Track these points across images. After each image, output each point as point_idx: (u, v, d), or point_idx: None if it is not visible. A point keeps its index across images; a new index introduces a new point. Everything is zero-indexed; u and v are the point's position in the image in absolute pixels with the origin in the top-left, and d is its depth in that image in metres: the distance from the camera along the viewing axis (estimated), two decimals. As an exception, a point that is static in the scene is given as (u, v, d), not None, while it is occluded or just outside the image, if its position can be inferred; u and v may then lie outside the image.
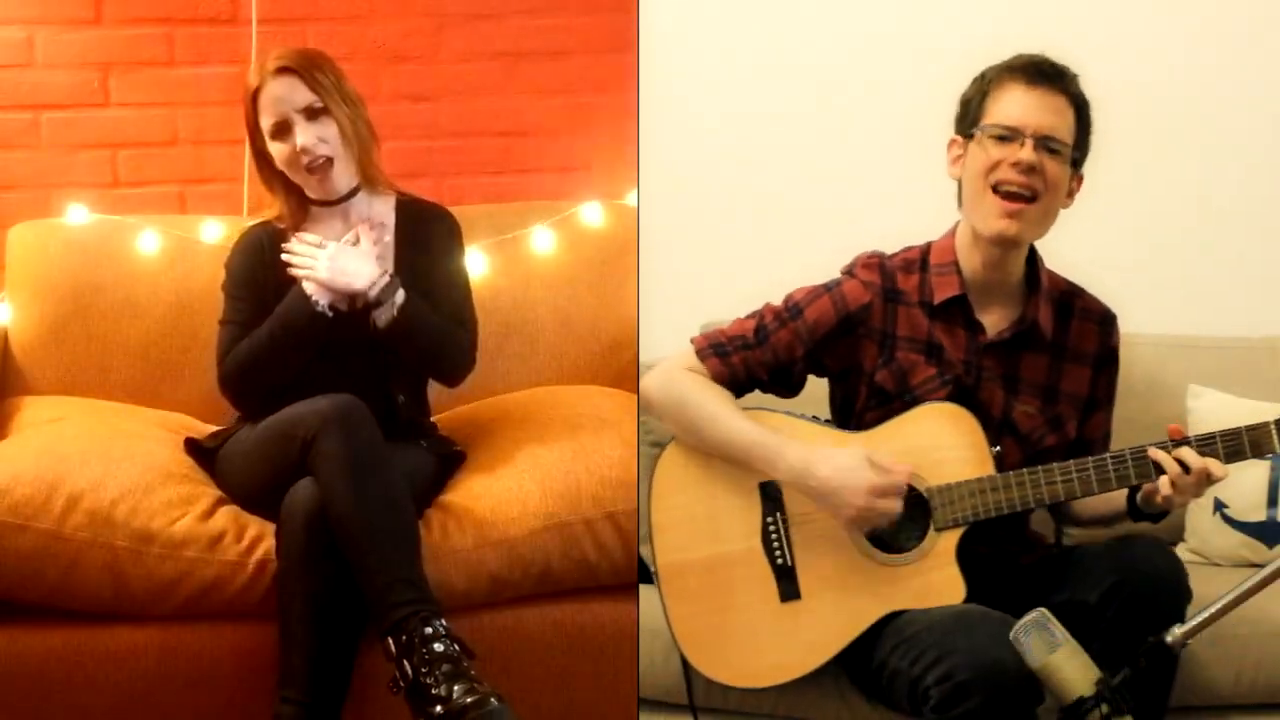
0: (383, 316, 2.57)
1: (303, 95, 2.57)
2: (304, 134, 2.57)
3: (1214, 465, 2.15)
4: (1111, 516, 2.35)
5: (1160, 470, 2.17)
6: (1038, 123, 2.23)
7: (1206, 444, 2.17)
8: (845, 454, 2.24)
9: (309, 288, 2.56)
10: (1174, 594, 2.14)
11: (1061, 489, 2.22)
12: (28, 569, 2.34)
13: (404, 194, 2.77)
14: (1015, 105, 2.25)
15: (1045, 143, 2.23)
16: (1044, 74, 2.25)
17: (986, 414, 2.31)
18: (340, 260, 2.57)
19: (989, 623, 2.10)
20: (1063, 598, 2.16)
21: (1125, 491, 2.26)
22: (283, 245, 2.63)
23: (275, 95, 2.58)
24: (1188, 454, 2.15)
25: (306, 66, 2.59)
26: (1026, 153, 2.22)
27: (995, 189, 2.25)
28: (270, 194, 2.70)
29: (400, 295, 2.57)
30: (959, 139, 2.32)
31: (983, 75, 2.31)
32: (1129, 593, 2.13)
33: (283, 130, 2.58)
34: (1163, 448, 2.17)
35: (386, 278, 2.57)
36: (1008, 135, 2.24)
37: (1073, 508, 2.42)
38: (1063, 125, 2.25)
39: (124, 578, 2.36)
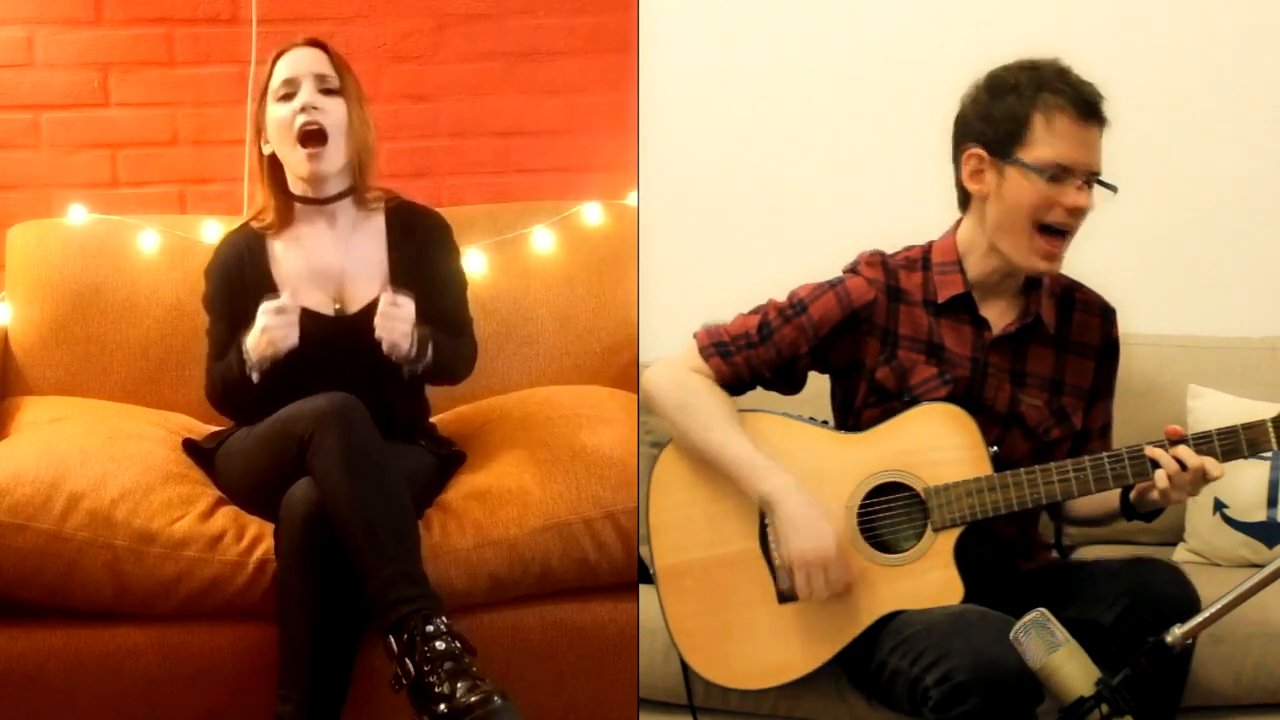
0: (413, 369, 2.54)
1: (323, 66, 2.60)
2: (309, 95, 2.57)
3: (1210, 463, 2.14)
4: (1105, 516, 2.35)
5: (1156, 466, 2.16)
6: (1089, 161, 2.21)
7: (1203, 442, 2.16)
8: (822, 517, 2.23)
9: (248, 347, 2.48)
10: (1188, 619, 2.11)
11: (1059, 489, 2.22)
12: (28, 569, 2.34)
13: (393, 198, 2.73)
14: (1068, 143, 2.20)
15: (1093, 180, 2.22)
16: (1095, 111, 2.20)
17: (992, 409, 2.31)
18: (391, 319, 2.49)
19: (987, 623, 2.10)
20: (1072, 614, 2.14)
21: (1118, 490, 2.26)
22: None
23: (297, 58, 2.61)
24: (1185, 452, 2.15)
25: (334, 52, 2.64)
26: (1085, 198, 2.20)
27: (1041, 227, 2.23)
28: (261, 188, 2.66)
29: (431, 348, 2.55)
30: (982, 154, 2.26)
31: (1015, 88, 2.23)
32: (1143, 616, 2.12)
33: (290, 92, 2.58)
34: (1160, 446, 2.17)
35: (419, 339, 2.52)
36: (1060, 175, 2.21)
37: (1068, 506, 2.42)
38: (1100, 158, 2.23)
39: (124, 577, 2.36)
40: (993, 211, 2.28)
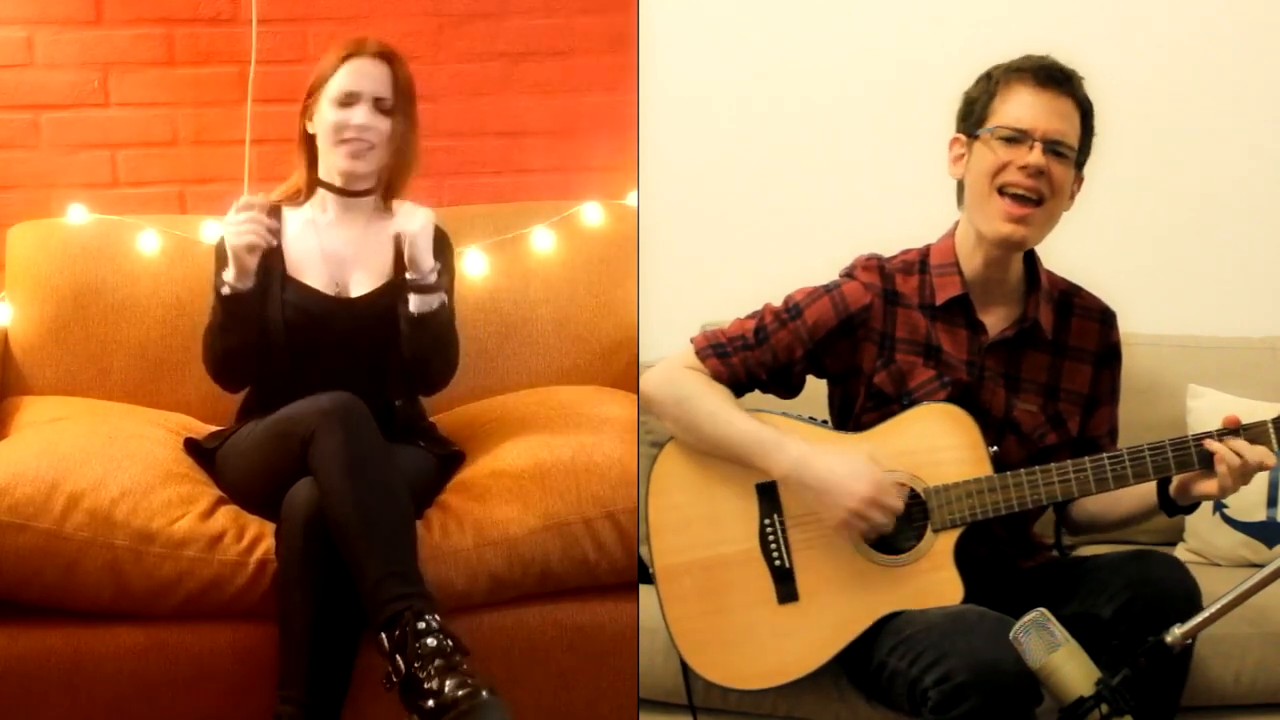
0: (426, 304, 2.56)
1: (384, 87, 2.63)
2: (364, 115, 2.61)
3: (1263, 452, 2.14)
4: (1139, 514, 2.32)
5: (1207, 458, 2.15)
6: (1046, 126, 2.23)
7: (1258, 430, 2.16)
8: (846, 454, 2.25)
9: (229, 275, 2.53)
10: (1190, 612, 2.11)
11: (1059, 489, 2.22)
12: (28, 569, 2.34)
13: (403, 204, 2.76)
14: (1024, 107, 2.24)
15: (1053, 146, 2.23)
16: (1052, 77, 2.24)
17: (988, 413, 2.31)
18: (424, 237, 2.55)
19: (986, 623, 2.10)
20: (1073, 609, 2.15)
21: (1153, 487, 2.25)
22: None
23: (363, 71, 2.63)
24: (1240, 444, 2.14)
25: (400, 66, 2.67)
26: (1035, 156, 2.22)
27: (1001, 191, 2.25)
28: (297, 162, 2.71)
29: (444, 293, 2.59)
30: (961, 138, 2.31)
31: (989, 74, 2.30)
32: (1144, 609, 2.12)
33: (350, 101, 2.61)
34: (1209, 438, 2.16)
35: (438, 271, 2.58)
36: (1016, 137, 2.24)
37: (1076, 515, 2.42)
38: (1070, 129, 2.25)
39: (124, 577, 2.36)
40: (967, 188, 2.31)
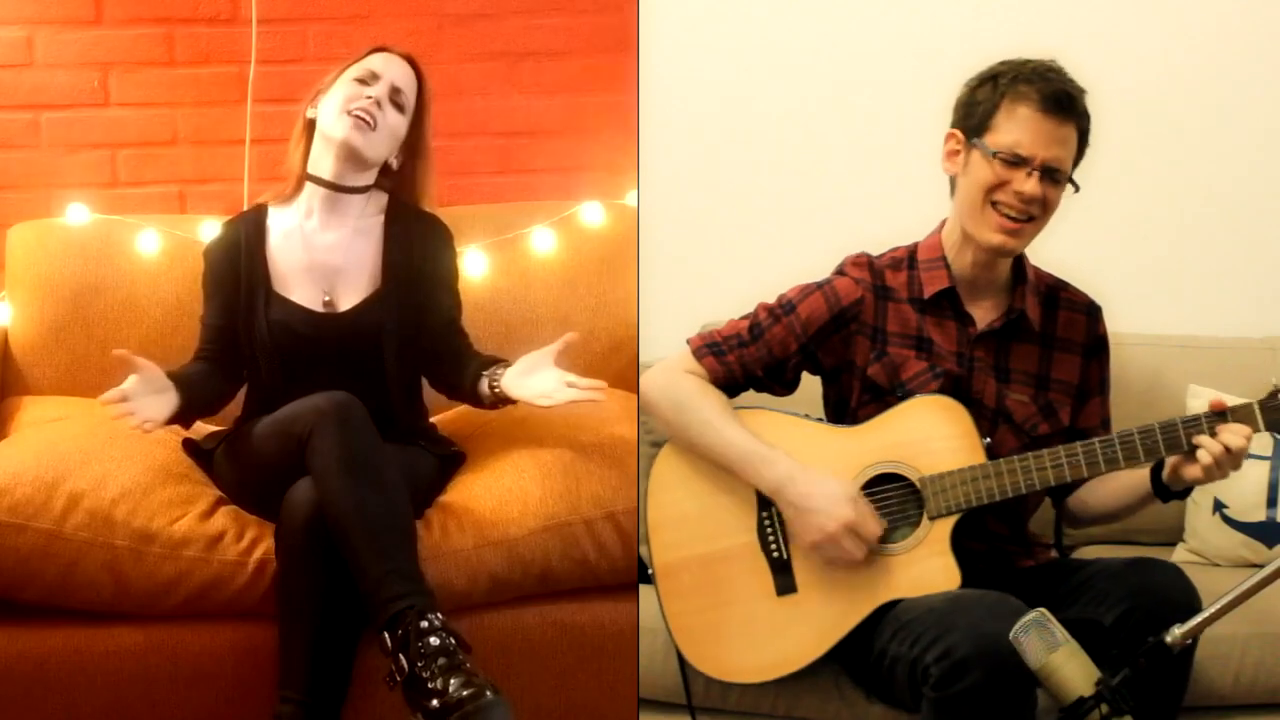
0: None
1: (406, 83, 2.66)
2: (379, 93, 2.62)
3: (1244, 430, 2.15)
4: (1134, 503, 2.33)
5: (1194, 446, 2.16)
6: (1046, 154, 2.24)
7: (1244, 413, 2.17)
8: (834, 482, 2.26)
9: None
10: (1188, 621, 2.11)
11: (1051, 474, 2.23)
12: (28, 569, 2.34)
13: (396, 196, 2.74)
14: (1026, 132, 2.24)
15: (1050, 173, 2.24)
16: (1060, 104, 2.24)
17: (980, 404, 2.33)
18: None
19: (986, 601, 2.12)
20: (1074, 614, 2.15)
21: (1146, 476, 2.26)
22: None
23: (392, 62, 2.67)
24: (1228, 437, 2.15)
25: (425, 78, 2.71)
26: (1031, 185, 2.24)
27: (995, 204, 2.27)
28: (292, 154, 2.69)
29: None
30: (958, 134, 2.32)
31: (995, 78, 2.29)
32: (1144, 617, 2.12)
33: (369, 80, 2.63)
34: (1194, 424, 2.17)
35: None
36: (1015, 161, 2.24)
37: (1074, 507, 2.42)
38: (1067, 155, 2.27)
39: (124, 577, 2.36)
40: (959, 191, 2.33)
